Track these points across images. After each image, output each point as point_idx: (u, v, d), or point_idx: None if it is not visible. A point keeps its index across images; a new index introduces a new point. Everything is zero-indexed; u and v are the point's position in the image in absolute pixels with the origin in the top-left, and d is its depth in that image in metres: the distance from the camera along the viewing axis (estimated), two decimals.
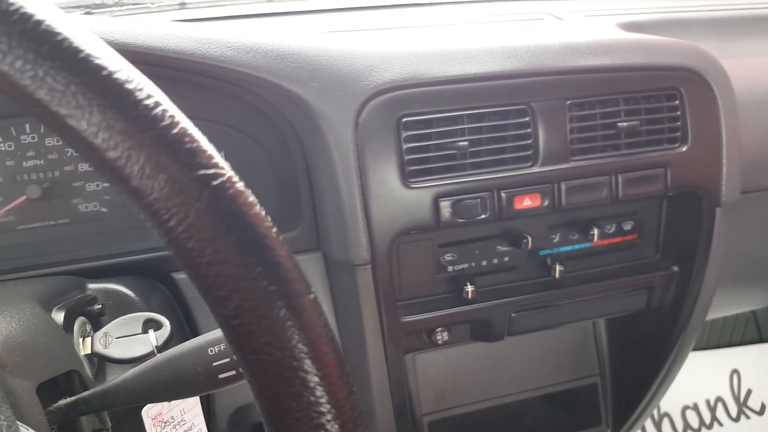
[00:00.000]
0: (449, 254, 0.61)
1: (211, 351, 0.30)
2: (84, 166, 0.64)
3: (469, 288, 0.59)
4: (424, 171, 0.54)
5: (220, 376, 0.30)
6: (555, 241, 0.64)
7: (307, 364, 0.20)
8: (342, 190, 0.52)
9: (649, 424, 1.27)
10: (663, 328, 0.70)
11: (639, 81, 0.58)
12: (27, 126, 0.62)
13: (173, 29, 0.50)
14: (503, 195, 0.55)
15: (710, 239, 0.63)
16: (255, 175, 0.66)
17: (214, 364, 0.30)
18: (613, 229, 0.65)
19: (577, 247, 0.65)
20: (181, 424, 0.46)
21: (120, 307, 0.49)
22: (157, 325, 0.42)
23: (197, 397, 0.47)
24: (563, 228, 0.64)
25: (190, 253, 0.19)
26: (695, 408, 1.31)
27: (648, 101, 0.59)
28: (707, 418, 1.30)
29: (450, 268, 0.62)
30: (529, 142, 0.56)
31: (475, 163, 0.55)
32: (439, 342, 0.64)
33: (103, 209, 0.64)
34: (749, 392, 1.33)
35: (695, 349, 1.37)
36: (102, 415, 0.39)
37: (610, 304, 0.66)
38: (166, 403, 0.44)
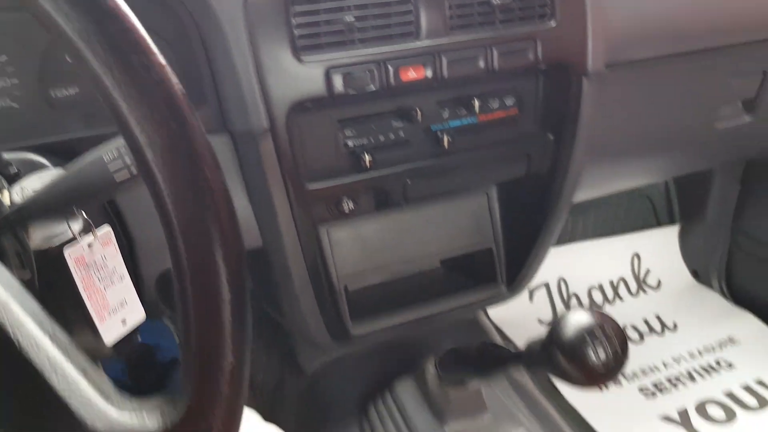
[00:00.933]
0: (348, 130, 0.68)
1: (107, 158, 0.36)
2: None
3: (367, 157, 0.66)
4: (315, 46, 0.60)
5: (118, 179, 0.35)
6: (445, 116, 0.71)
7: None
8: (237, 66, 0.57)
9: (558, 303, 1.42)
10: (542, 193, 0.80)
11: None
12: None
13: None
14: (390, 67, 0.62)
15: (579, 108, 0.72)
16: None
17: (111, 169, 0.35)
18: (496, 105, 0.73)
19: (465, 121, 0.72)
20: (104, 268, 0.52)
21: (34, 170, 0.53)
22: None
23: (116, 245, 0.53)
24: (451, 104, 0.71)
25: None
26: (600, 288, 1.47)
27: None
28: (610, 296, 1.46)
29: (350, 143, 0.68)
30: (411, 18, 0.62)
31: (362, 39, 0.61)
32: (346, 211, 0.71)
33: (14, 105, 0.66)
34: (648, 271, 1.50)
35: (601, 235, 1.52)
36: (26, 260, 0.44)
37: (494, 171, 0.75)
38: (87, 248, 0.50)
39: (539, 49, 0.67)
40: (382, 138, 0.70)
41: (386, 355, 1.02)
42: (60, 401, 0.27)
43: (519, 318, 1.37)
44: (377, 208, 0.75)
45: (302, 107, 0.61)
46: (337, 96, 0.61)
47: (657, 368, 1.27)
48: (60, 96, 0.68)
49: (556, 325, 0.42)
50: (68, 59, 0.64)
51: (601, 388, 1.14)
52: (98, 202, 0.41)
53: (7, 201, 0.46)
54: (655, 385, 1.23)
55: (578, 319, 0.41)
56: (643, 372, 1.26)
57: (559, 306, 1.44)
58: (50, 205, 0.37)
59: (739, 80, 0.87)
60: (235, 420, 0.26)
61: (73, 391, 0.27)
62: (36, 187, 0.46)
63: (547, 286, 1.44)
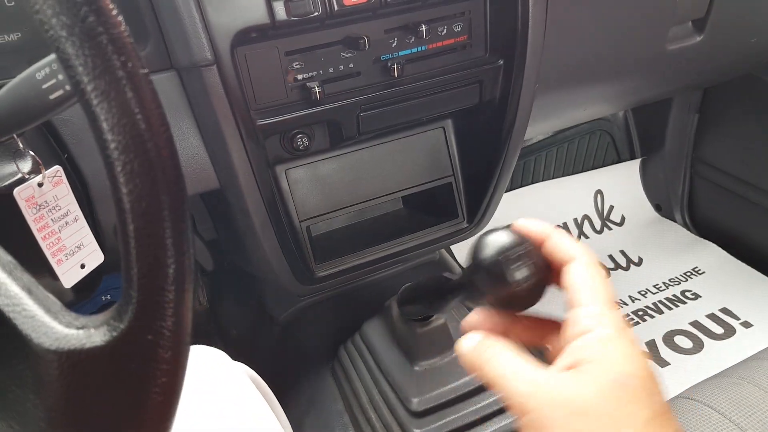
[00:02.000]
0: (296, 63, 0.67)
1: (39, 75, 0.35)
2: None
3: (316, 88, 0.66)
4: None
5: (51, 96, 0.35)
6: (393, 45, 0.71)
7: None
8: None
9: None
10: (496, 124, 0.80)
11: None
12: None
13: None
14: None
15: (526, 31, 0.72)
16: None
17: (44, 86, 0.35)
18: (445, 32, 0.73)
19: (414, 50, 0.72)
20: (57, 209, 0.52)
21: None
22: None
23: (68, 185, 0.52)
24: (399, 32, 0.70)
25: None
26: (564, 226, 1.50)
27: None
28: (575, 234, 1.49)
29: (299, 76, 0.68)
30: None
31: None
32: (301, 147, 0.71)
33: None
34: (611, 208, 1.53)
35: (564, 174, 1.54)
36: None
37: (446, 100, 0.75)
38: (37, 188, 0.49)
39: None
40: (331, 70, 0.69)
41: (354, 300, 1.04)
42: (3, 318, 0.27)
43: None
44: (332, 143, 0.75)
45: (246, 38, 0.61)
46: (279, 24, 0.60)
47: (624, 302, 1.31)
48: (3, 42, 0.66)
49: (476, 246, 0.38)
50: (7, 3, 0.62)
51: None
52: (33, 124, 0.40)
53: None
54: (636, 313, 1.26)
55: (496, 239, 0.38)
56: (623, 301, 1.30)
57: None
58: None
59: None
60: (182, 327, 0.26)
61: (16, 306, 0.26)
62: None
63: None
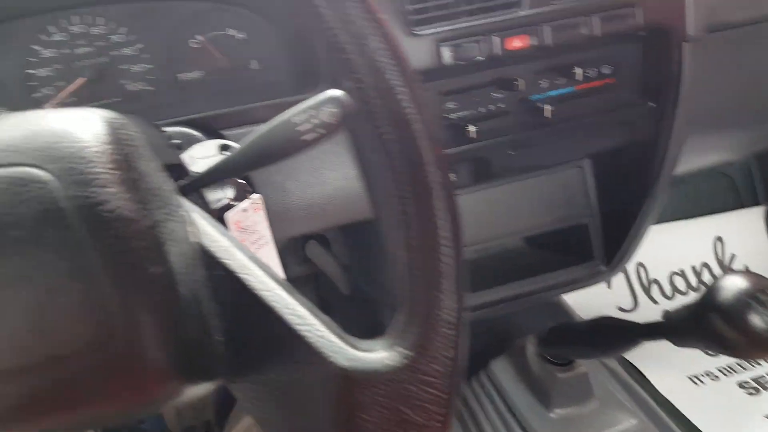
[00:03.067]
0: (451, 102, 0.71)
1: (296, 120, 0.39)
2: (128, 50, 0.73)
3: (471, 128, 0.69)
4: (425, 20, 0.63)
5: (303, 138, 0.39)
6: (543, 86, 0.73)
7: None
8: None
9: (638, 289, 1.40)
10: (644, 165, 0.80)
11: None
12: (73, 17, 0.70)
13: None
14: (496, 37, 0.64)
15: (680, 74, 0.72)
16: (271, 50, 0.75)
17: (299, 129, 0.39)
18: (594, 74, 0.74)
19: (563, 91, 0.74)
20: (253, 233, 0.57)
21: (191, 143, 0.59)
22: (228, 148, 0.52)
23: (266, 211, 0.58)
24: (550, 73, 0.73)
25: None
26: (682, 274, 1.43)
27: None
28: (694, 282, 1.42)
29: (452, 115, 0.71)
30: None
31: (468, 11, 0.64)
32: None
33: (149, 87, 0.73)
34: (733, 257, 1.45)
35: (680, 218, 1.49)
36: None
37: (596, 140, 0.76)
38: (242, 213, 0.55)
39: (640, 14, 0.68)
40: (482, 110, 0.72)
41: (472, 333, 1.03)
42: (299, 341, 0.28)
43: (597, 305, 1.35)
44: (477, 179, 0.77)
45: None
46: (445, 67, 0.64)
47: (757, 362, 1.21)
48: (186, 79, 0.75)
49: (711, 289, 0.39)
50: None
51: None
52: (277, 162, 0.44)
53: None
54: (756, 381, 1.15)
55: (736, 283, 0.38)
56: (741, 366, 1.21)
57: (640, 293, 1.41)
58: (242, 167, 0.42)
59: None
60: (461, 360, 0.28)
61: (308, 325, 0.28)
62: (203, 155, 0.51)
63: (625, 271, 1.42)
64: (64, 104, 0.71)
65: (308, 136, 0.39)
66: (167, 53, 0.73)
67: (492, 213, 0.84)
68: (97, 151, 0.28)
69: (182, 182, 0.44)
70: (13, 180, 0.26)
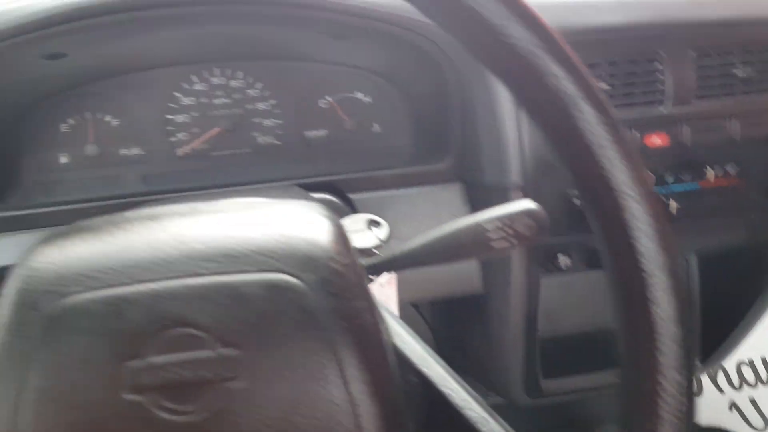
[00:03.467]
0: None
1: (487, 227, 0.40)
2: (261, 105, 0.76)
3: None
4: None
5: (493, 245, 0.39)
6: (669, 181, 0.72)
7: None
8: (502, 124, 0.62)
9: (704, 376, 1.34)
10: (756, 267, 0.78)
11: (760, 32, 0.65)
12: (216, 69, 0.73)
13: None
14: (636, 132, 0.64)
15: None
16: (394, 115, 0.77)
17: (488, 235, 0.39)
18: (721, 172, 0.73)
19: (688, 187, 0.73)
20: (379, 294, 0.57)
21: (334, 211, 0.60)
22: (377, 224, 0.53)
23: (396, 290, 0.58)
24: (677, 168, 0.72)
25: None
26: (750, 364, 1.37)
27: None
28: (764, 376, 1.36)
29: (576, 201, 0.71)
30: (658, 86, 0.65)
31: (613, 104, 0.64)
32: (562, 267, 0.73)
33: (276, 141, 0.75)
34: None
35: None
36: None
37: (710, 238, 0.75)
38: (379, 287, 0.55)
39: None
40: None
41: (557, 412, 1.01)
42: None
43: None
44: (592, 266, 0.76)
45: (550, 166, 0.65)
46: None
47: None
48: (312, 136, 0.77)
49: None
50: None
51: None
52: (458, 261, 0.45)
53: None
54: None
55: None
56: None
57: (705, 379, 1.36)
58: (422, 259, 0.42)
59: None
60: None
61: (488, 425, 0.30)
62: (354, 229, 0.52)
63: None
64: (198, 150, 0.73)
65: (497, 244, 0.39)
66: (297, 111, 0.75)
67: (590, 298, 0.82)
68: (344, 265, 0.30)
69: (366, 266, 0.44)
70: (273, 285, 0.29)
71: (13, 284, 0.29)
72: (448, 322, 0.96)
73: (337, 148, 0.77)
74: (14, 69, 0.62)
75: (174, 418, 0.28)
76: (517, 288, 0.70)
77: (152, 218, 0.32)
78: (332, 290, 0.29)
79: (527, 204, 0.39)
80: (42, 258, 0.30)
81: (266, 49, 0.72)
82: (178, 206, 0.34)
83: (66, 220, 0.64)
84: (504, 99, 0.61)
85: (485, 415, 0.32)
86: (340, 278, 0.30)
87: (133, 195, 0.68)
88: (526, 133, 0.62)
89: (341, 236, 0.32)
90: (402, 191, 0.69)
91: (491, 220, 0.40)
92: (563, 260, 0.72)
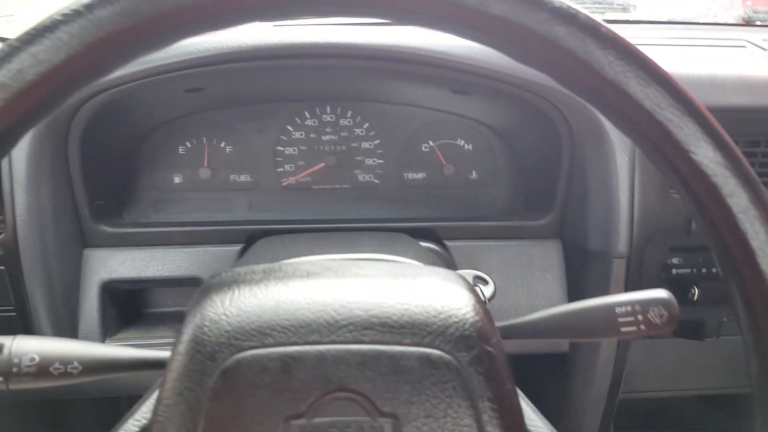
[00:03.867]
0: (676, 258, 0.69)
1: (618, 310, 0.40)
2: (366, 144, 0.78)
3: (696, 291, 0.67)
4: None
5: (622, 329, 0.39)
6: None
7: None
8: (615, 191, 0.62)
9: None
10: None
11: None
12: (328, 107, 0.76)
13: None
14: None
15: None
16: (495, 168, 0.77)
17: (619, 319, 0.40)
18: None
19: None
20: None
21: (436, 261, 0.61)
22: (484, 282, 0.53)
23: None
24: None
25: None
26: None
27: None
28: None
29: (674, 271, 0.70)
30: None
31: None
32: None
33: (376, 180, 0.77)
34: None
35: None
36: None
37: None
38: None
39: None
40: (704, 270, 0.70)
41: None
42: None
43: None
44: (677, 335, 0.75)
45: (654, 238, 0.65)
46: (694, 232, 0.63)
47: None
48: (411, 179, 0.78)
49: None
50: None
51: None
52: (599, 339, 0.45)
53: None
54: None
55: None
56: None
57: None
58: (545, 330, 0.42)
59: None
60: None
61: None
62: (487, 294, 0.52)
63: None
64: (301, 182, 0.76)
65: (627, 329, 0.39)
66: (399, 152, 0.77)
67: (672, 364, 0.81)
68: (493, 345, 0.31)
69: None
70: (429, 360, 0.31)
71: (189, 332, 0.31)
72: (525, 374, 0.96)
73: (434, 192, 0.78)
74: (157, 99, 0.66)
75: None
76: (606, 351, 0.69)
77: (311, 275, 0.34)
78: (482, 370, 0.31)
79: (662, 293, 0.39)
80: (216, 309, 0.31)
81: (378, 94, 0.74)
82: (331, 263, 0.36)
83: (177, 241, 0.68)
84: (620, 168, 0.61)
85: None
86: (489, 358, 0.31)
87: (239, 222, 0.71)
88: (637, 204, 0.62)
89: (488, 315, 0.33)
90: (498, 243, 0.70)
91: (624, 304, 0.40)
92: None
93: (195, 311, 0.32)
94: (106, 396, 0.74)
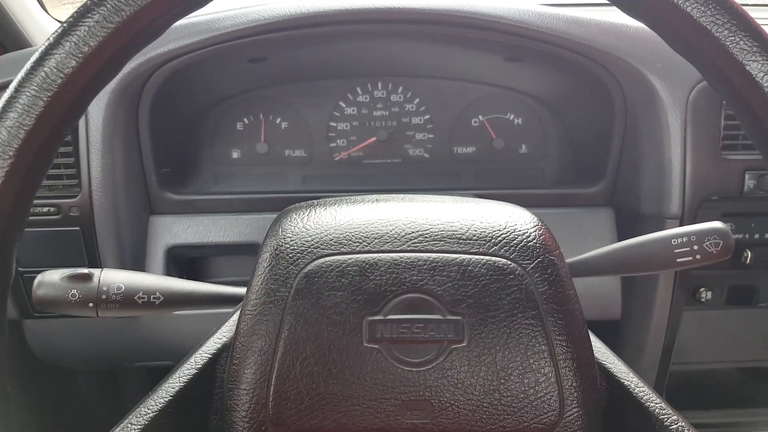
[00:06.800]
0: (729, 223, 0.70)
1: (675, 242, 0.41)
2: (416, 119, 0.80)
3: (749, 254, 0.68)
4: (735, 146, 0.64)
5: (678, 260, 0.41)
6: None
7: None
8: (668, 153, 0.63)
9: None
10: None
11: None
12: (379, 83, 0.78)
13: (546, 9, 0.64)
14: None
15: None
16: (545, 141, 0.79)
17: (675, 251, 0.41)
18: None
19: None
20: None
21: None
22: None
23: None
24: None
25: None
26: None
27: None
28: None
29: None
30: None
31: None
32: (702, 300, 0.72)
33: (426, 155, 0.79)
34: None
35: None
36: None
37: None
38: None
39: None
40: (757, 236, 0.70)
41: None
42: None
43: None
44: (729, 302, 0.75)
45: (707, 199, 0.65)
46: (746, 194, 0.64)
47: None
48: (461, 153, 0.80)
49: None
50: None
51: None
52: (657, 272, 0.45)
53: None
54: None
55: None
56: None
57: None
58: (604, 267, 0.43)
59: None
60: None
61: None
62: None
63: None
64: (353, 157, 0.79)
65: (683, 259, 0.40)
66: (449, 127, 0.79)
67: (726, 336, 0.80)
68: (555, 255, 0.34)
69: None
70: (496, 267, 0.33)
71: (272, 243, 0.34)
72: None
73: (484, 166, 0.80)
74: (220, 71, 0.70)
75: (404, 366, 0.33)
76: (658, 318, 0.69)
77: (380, 201, 0.37)
78: (545, 276, 0.33)
79: (717, 224, 0.40)
80: (296, 224, 0.35)
81: (430, 68, 0.77)
82: (395, 196, 0.39)
83: (237, 208, 0.70)
84: (673, 130, 0.62)
85: (665, 405, 0.34)
86: (552, 267, 0.33)
87: (294, 191, 0.73)
88: (689, 165, 0.63)
89: (549, 231, 0.35)
90: (549, 210, 0.71)
91: (680, 236, 0.41)
92: (705, 294, 0.71)
93: (276, 227, 0.35)
94: (158, 364, 0.77)
